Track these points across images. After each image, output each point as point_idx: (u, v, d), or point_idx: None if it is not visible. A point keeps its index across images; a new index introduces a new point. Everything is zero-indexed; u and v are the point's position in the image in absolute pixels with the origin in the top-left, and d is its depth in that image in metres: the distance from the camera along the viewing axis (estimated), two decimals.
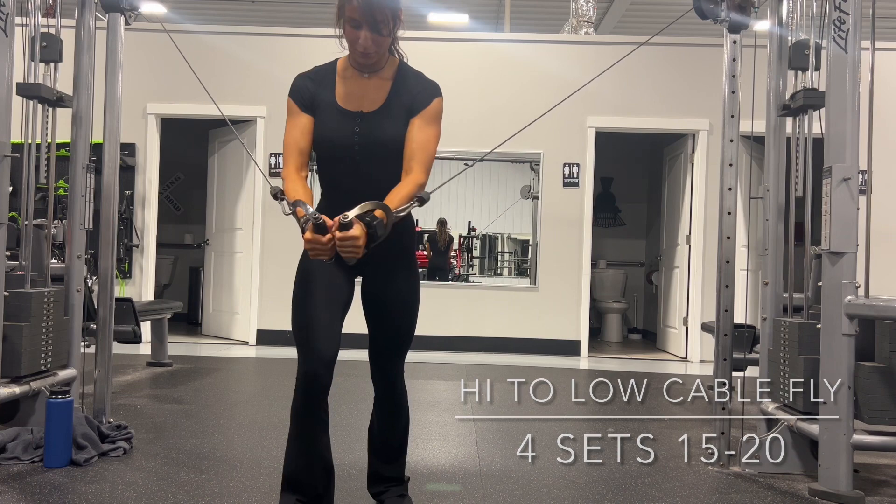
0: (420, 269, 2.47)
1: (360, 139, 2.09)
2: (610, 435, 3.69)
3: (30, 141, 3.35)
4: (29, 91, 3.22)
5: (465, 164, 6.88)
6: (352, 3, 1.99)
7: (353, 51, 2.07)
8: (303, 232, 1.89)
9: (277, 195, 1.93)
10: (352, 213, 1.84)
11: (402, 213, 1.97)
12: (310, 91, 2.14)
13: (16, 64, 2.87)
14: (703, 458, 3.23)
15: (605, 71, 3.37)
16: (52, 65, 3.38)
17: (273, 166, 7.04)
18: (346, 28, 2.04)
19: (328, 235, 1.86)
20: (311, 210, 1.88)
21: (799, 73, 3.28)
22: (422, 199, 2.01)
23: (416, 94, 2.12)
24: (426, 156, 2.08)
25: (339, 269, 2.15)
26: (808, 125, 3.22)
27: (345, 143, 2.10)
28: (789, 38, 3.32)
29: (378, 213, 1.87)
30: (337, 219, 1.85)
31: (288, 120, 2.14)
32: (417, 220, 2.26)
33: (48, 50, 3.32)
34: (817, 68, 3.14)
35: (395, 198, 1.98)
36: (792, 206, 3.26)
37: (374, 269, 2.20)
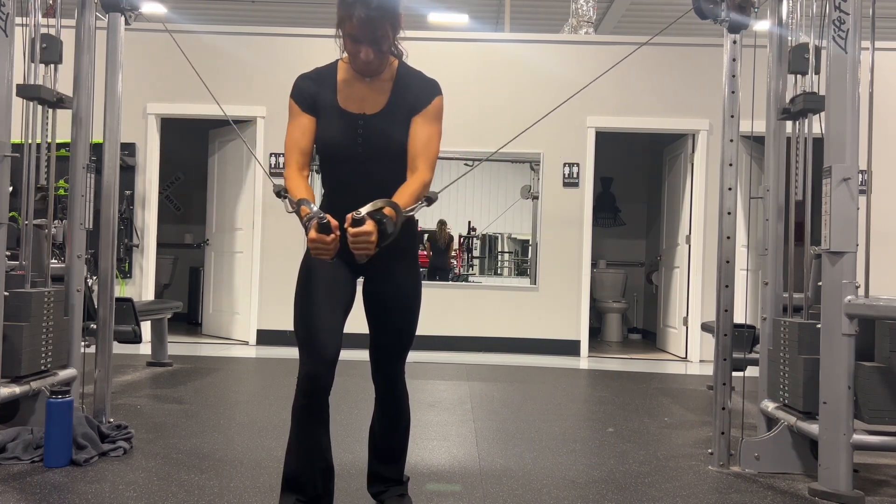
0: (421, 269, 2.48)
1: (363, 141, 2.10)
2: (610, 433, 3.69)
3: (30, 141, 3.35)
4: (29, 92, 3.22)
5: (467, 164, 6.89)
6: (351, 21, 1.98)
7: (354, 62, 2.08)
8: (306, 230, 1.89)
9: (281, 193, 1.94)
10: (364, 210, 1.85)
11: (411, 213, 1.99)
12: (311, 92, 2.14)
13: (16, 65, 2.87)
14: (702, 458, 3.24)
15: (608, 71, 3.38)
16: (52, 66, 3.38)
17: (273, 166, 7.04)
18: (347, 41, 2.05)
19: (332, 235, 1.87)
20: (316, 209, 1.89)
21: (799, 76, 3.28)
22: (430, 199, 2.04)
23: (417, 94, 2.14)
24: (430, 154, 2.10)
25: (341, 269, 2.16)
26: (808, 129, 3.22)
27: (348, 145, 2.10)
28: (789, 39, 3.32)
29: (388, 210, 1.89)
30: (349, 216, 1.86)
31: (289, 120, 2.15)
32: (418, 221, 2.27)
33: (48, 51, 3.32)
34: (817, 72, 3.14)
35: (404, 196, 1.99)
36: (792, 206, 3.26)
37: (376, 270, 2.20)
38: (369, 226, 1.85)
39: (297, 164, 2.10)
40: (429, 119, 2.11)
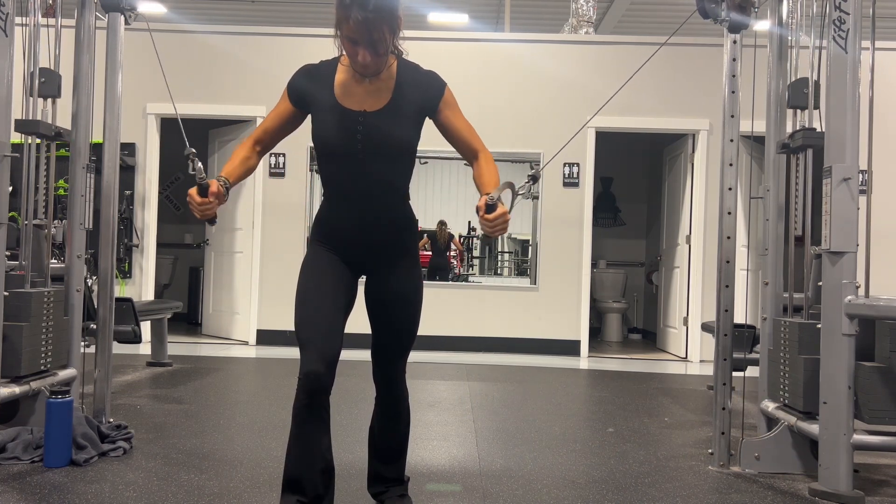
0: (422, 269, 2.49)
1: (362, 138, 2.09)
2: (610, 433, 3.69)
3: (30, 141, 3.35)
4: (28, 128, 3.21)
5: (467, 164, 6.87)
6: (348, 23, 1.97)
7: (352, 64, 2.07)
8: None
9: (189, 155, 2.03)
10: (495, 194, 1.91)
11: (522, 192, 2.05)
12: (306, 86, 2.15)
13: (14, 98, 2.87)
14: (702, 458, 3.24)
15: (636, 73, 3.39)
16: (51, 100, 3.39)
17: (273, 166, 7.04)
18: (345, 43, 2.04)
19: (203, 199, 1.96)
20: (202, 171, 1.99)
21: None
22: (535, 178, 2.08)
23: (425, 90, 2.14)
24: (476, 135, 2.18)
25: (342, 269, 2.16)
26: (806, 164, 3.23)
27: (347, 142, 2.09)
28: (789, 39, 3.33)
29: (505, 191, 1.96)
30: (483, 200, 1.91)
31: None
32: (417, 220, 2.28)
33: (47, 85, 3.32)
34: (817, 107, 3.14)
35: (494, 176, 2.07)
36: (792, 209, 3.26)
37: (377, 270, 2.20)
38: (503, 207, 1.91)
39: (253, 138, 2.19)
40: (453, 108, 2.17)
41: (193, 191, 1.96)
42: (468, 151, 2.18)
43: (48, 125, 3.27)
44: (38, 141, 3.38)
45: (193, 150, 2.02)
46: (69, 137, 3.33)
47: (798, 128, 3.25)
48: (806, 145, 3.12)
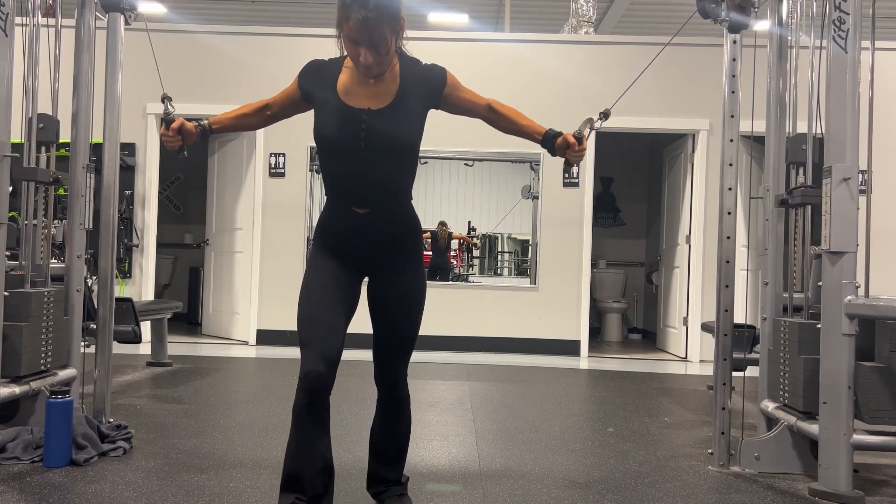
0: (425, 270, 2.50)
1: (366, 136, 2.08)
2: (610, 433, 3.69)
3: (30, 141, 3.34)
4: (27, 175, 3.19)
5: (467, 164, 6.88)
6: (349, 23, 1.97)
7: (355, 65, 2.07)
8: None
9: (164, 98, 2.30)
10: (581, 129, 2.20)
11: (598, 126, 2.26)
12: (312, 82, 2.17)
13: (15, 99, 2.87)
14: (702, 458, 3.24)
15: (642, 73, 3.41)
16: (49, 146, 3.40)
17: (273, 166, 7.04)
18: (346, 43, 2.03)
19: (165, 131, 2.20)
20: (172, 111, 2.27)
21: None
22: (606, 115, 2.30)
23: (428, 84, 2.16)
24: (479, 95, 2.27)
25: (346, 270, 2.16)
26: (805, 219, 3.25)
27: (350, 140, 2.08)
28: (789, 39, 3.33)
29: (587, 126, 2.22)
30: (571, 135, 2.18)
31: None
32: (420, 221, 2.29)
33: (45, 131, 3.32)
34: (816, 163, 3.14)
35: (525, 118, 2.29)
36: (791, 263, 3.27)
37: (381, 270, 2.20)
38: (585, 140, 2.20)
39: (266, 101, 2.29)
40: (458, 88, 2.23)
41: (162, 125, 2.22)
42: (483, 111, 2.26)
43: (46, 172, 3.23)
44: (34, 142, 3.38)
45: (168, 95, 2.32)
46: (67, 182, 3.32)
47: (797, 185, 3.24)
48: (805, 203, 3.12)
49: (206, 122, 2.26)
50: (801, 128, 3.28)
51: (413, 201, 2.26)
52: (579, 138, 2.18)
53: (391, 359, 2.26)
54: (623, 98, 3.45)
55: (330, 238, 2.18)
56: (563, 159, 2.23)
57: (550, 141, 2.21)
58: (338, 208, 2.16)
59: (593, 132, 2.23)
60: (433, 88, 2.16)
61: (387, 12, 1.97)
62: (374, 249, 2.17)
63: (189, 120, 2.25)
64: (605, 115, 2.28)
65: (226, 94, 7.09)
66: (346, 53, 2.12)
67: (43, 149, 3.38)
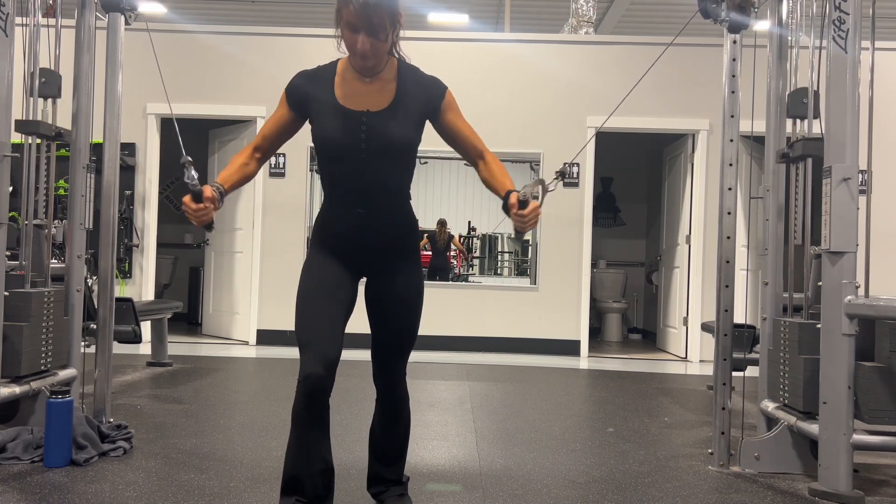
0: (423, 270, 2.50)
1: (366, 138, 2.09)
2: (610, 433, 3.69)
3: (30, 141, 3.35)
4: (28, 128, 3.21)
5: (467, 164, 6.86)
6: (349, 8, 1.98)
7: (352, 55, 2.08)
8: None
9: (184, 164, 2.02)
10: (527, 190, 1.96)
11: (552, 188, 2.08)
12: (305, 91, 2.15)
13: (14, 99, 2.87)
14: (702, 458, 3.24)
15: (646, 73, 3.41)
16: (52, 100, 3.39)
17: (273, 166, 7.04)
18: (345, 32, 2.04)
19: (200, 205, 1.97)
20: (195, 178, 1.98)
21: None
22: (563, 174, 2.10)
23: (427, 92, 2.15)
24: (478, 136, 2.21)
25: (343, 270, 2.16)
26: (806, 173, 3.23)
27: (350, 142, 2.09)
28: (789, 39, 3.33)
29: (536, 186, 1.99)
30: (515, 197, 1.96)
31: (276, 109, 2.21)
32: (417, 220, 2.29)
33: (47, 85, 3.32)
34: (816, 116, 3.13)
35: (506, 175, 2.12)
36: (792, 208, 3.26)
37: (378, 271, 2.20)
38: (534, 203, 1.97)
39: (253, 145, 2.22)
40: (455, 111, 2.19)
41: (188, 198, 1.98)
42: (472, 152, 2.20)
43: (48, 125, 3.27)
44: (38, 141, 3.38)
45: (189, 159, 2.03)
46: (69, 138, 3.33)
47: (797, 137, 3.24)
48: (806, 155, 3.11)
49: (217, 183, 2.08)
50: (801, 128, 3.28)
51: (413, 201, 2.26)
52: (523, 202, 1.95)
53: (390, 358, 2.26)
54: (622, 100, 3.46)
55: (328, 238, 2.18)
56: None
57: (505, 199, 2.03)
58: (337, 208, 2.16)
59: (549, 191, 2.01)
60: (431, 97, 2.15)
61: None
62: (372, 249, 2.17)
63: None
64: (561, 175, 2.06)
65: (226, 94, 7.09)
66: (343, 55, 2.13)
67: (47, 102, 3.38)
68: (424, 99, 2.14)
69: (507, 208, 2.00)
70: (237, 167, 2.15)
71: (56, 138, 3.31)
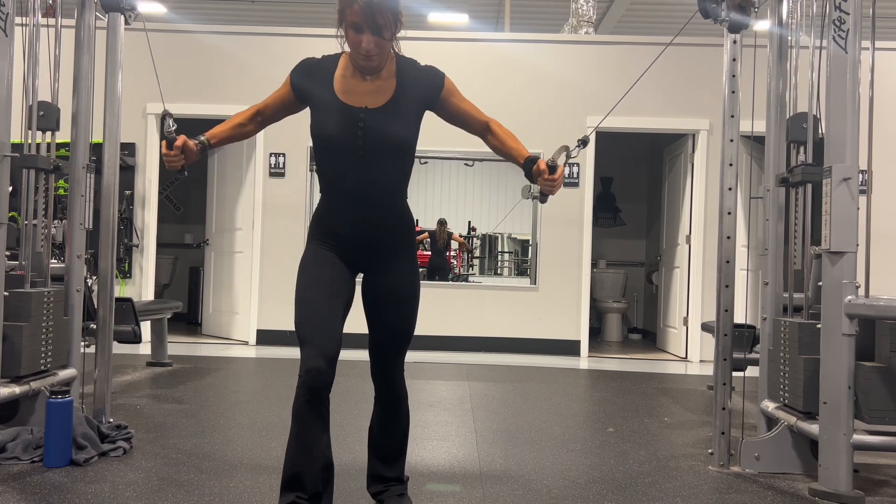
0: (420, 269, 2.49)
1: (363, 135, 2.09)
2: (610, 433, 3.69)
3: (30, 141, 3.35)
4: (27, 162, 3.20)
5: (467, 164, 6.88)
6: (353, 7, 1.99)
7: (355, 54, 2.08)
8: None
9: (164, 115, 2.18)
10: (555, 157, 2.09)
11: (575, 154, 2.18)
12: (305, 83, 2.17)
13: (14, 100, 2.86)
14: (702, 458, 3.24)
15: (644, 73, 3.42)
16: (50, 132, 3.39)
17: (273, 166, 7.04)
18: (349, 32, 2.04)
19: (168, 151, 2.13)
20: (172, 128, 2.15)
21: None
22: (585, 142, 2.20)
23: (426, 85, 2.16)
24: (479, 109, 2.24)
25: (340, 266, 2.16)
26: (805, 199, 3.23)
27: (348, 138, 2.09)
28: (789, 39, 3.33)
29: (562, 154, 2.11)
30: (544, 162, 2.10)
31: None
32: (418, 220, 2.29)
33: (45, 119, 3.32)
34: (816, 140, 3.13)
35: (517, 140, 2.21)
36: (792, 208, 3.26)
37: (374, 267, 2.21)
38: (561, 168, 2.12)
39: (256, 108, 2.27)
40: (457, 95, 2.21)
41: (164, 143, 2.15)
42: (478, 126, 2.23)
43: (46, 159, 3.25)
44: (38, 141, 3.38)
45: (169, 112, 2.20)
46: (68, 171, 3.32)
47: (797, 163, 3.24)
48: (805, 181, 3.12)
49: (204, 137, 2.21)
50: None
51: (413, 201, 2.27)
52: (552, 167, 2.10)
53: (387, 356, 2.26)
54: (623, 98, 3.46)
55: (325, 235, 2.18)
56: (566, 163, 2.21)
57: (528, 166, 2.15)
58: (334, 205, 2.17)
59: (571, 159, 2.14)
60: (430, 90, 2.17)
61: None
62: (369, 246, 2.17)
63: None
64: (583, 143, 2.18)
65: (226, 94, 7.09)
66: (345, 50, 2.13)
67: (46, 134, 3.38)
68: (423, 93, 2.16)
69: (529, 175, 2.14)
70: (232, 125, 2.26)
71: (55, 171, 3.30)
